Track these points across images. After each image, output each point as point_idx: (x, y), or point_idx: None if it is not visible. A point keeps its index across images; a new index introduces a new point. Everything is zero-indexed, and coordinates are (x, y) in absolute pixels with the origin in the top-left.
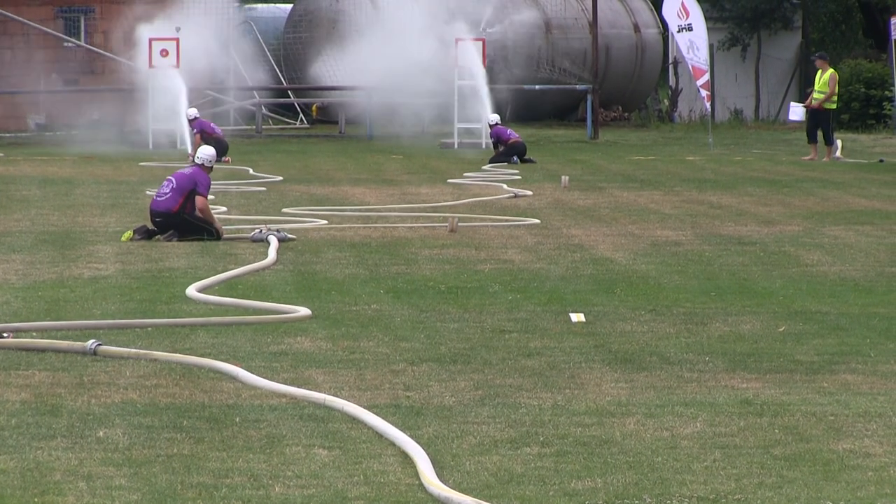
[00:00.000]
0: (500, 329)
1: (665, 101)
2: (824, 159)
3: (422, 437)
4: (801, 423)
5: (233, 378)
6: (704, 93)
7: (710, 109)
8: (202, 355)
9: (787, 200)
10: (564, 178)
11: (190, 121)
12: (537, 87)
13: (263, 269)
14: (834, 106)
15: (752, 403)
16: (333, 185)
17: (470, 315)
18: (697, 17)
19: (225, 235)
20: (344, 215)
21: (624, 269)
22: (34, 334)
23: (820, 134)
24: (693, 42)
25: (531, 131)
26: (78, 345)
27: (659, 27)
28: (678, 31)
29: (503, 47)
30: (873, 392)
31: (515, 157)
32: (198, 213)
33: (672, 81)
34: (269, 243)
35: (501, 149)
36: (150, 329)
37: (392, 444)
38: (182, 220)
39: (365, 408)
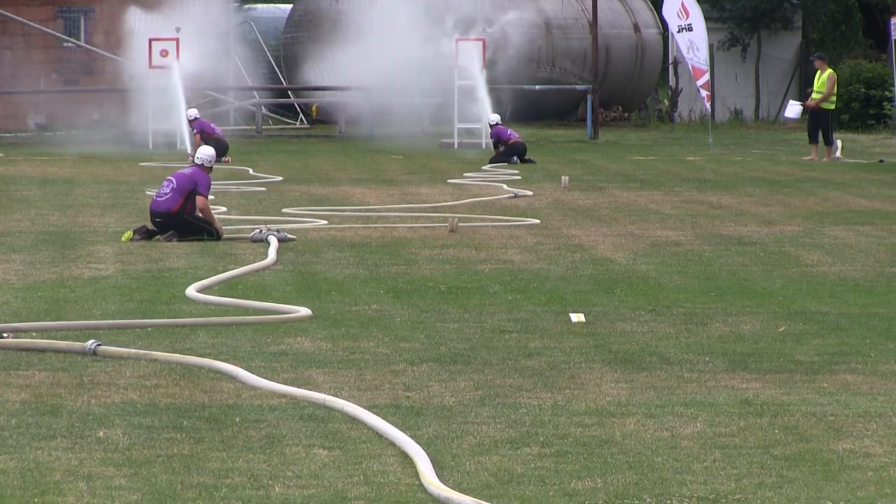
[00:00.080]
0: (500, 329)
1: (665, 101)
2: (824, 159)
3: (422, 437)
4: (801, 424)
5: (233, 378)
6: (704, 93)
7: (710, 109)
8: (202, 355)
9: (787, 200)
10: (564, 179)
11: (190, 121)
12: (537, 87)
13: (263, 269)
14: (833, 106)
15: (752, 403)
16: (333, 186)
17: (470, 315)
18: (697, 17)
19: (225, 236)
20: (344, 215)
21: (624, 269)
22: (34, 334)
23: (820, 134)
24: (693, 42)
25: (531, 131)
26: (77, 345)
27: (659, 27)
28: (678, 32)
29: (503, 47)
30: (873, 392)
31: (515, 158)
32: (198, 213)
33: (672, 81)
34: (269, 243)
35: (501, 149)
36: (150, 329)
37: (392, 444)
38: (182, 221)
39: (365, 408)
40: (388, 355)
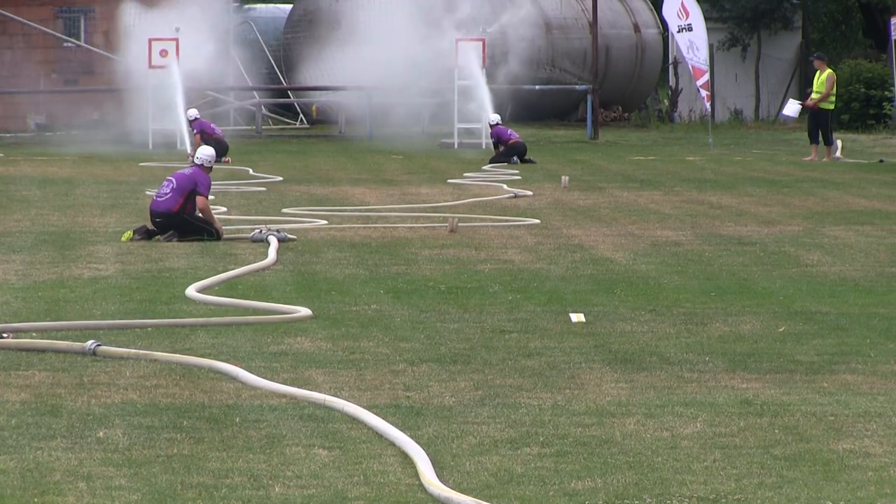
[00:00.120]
0: (500, 329)
1: (665, 101)
2: (824, 159)
3: (422, 437)
4: (801, 423)
5: (233, 378)
6: (704, 93)
7: (709, 109)
8: (202, 356)
9: (787, 200)
10: (564, 179)
11: (190, 121)
12: (537, 87)
13: (263, 269)
14: (832, 106)
15: (752, 403)
16: (333, 186)
17: (470, 315)
18: (697, 17)
19: (225, 236)
20: (344, 215)
21: (624, 269)
22: (34, 334)
23: (820, 134)
24: (693, 42)
25: (531, 131)
26: (77, 345)
27: (659, 27)
28: (678, 32)
29: (503, 47)
30: (873, 392)
31: (515, 158)
32: (198, 213)
33: (672, 81)
34: (269, 243)
35: (502, 149)
36: (150, 329)
37: (392, 444)
38: (182, 221)
39: (365, 408)
40: (388, 355)
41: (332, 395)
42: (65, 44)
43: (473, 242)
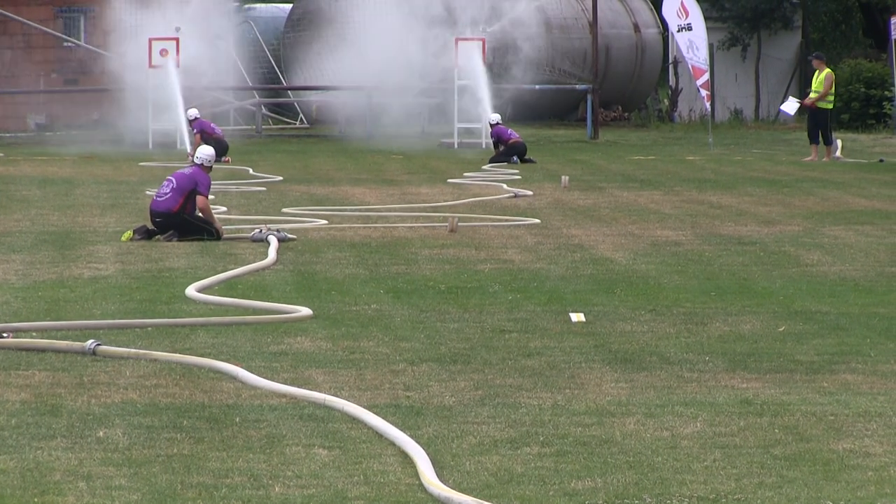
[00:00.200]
0: (500, 329)
1: (665, 100)
2: (824, 159)
3: (422, 437)
4: (801, 423)
5: (233, 378)
6: (704, 93)
7: (709, 109)
8: (202, 355)
9: (787, 200)
10: (564, 178)
11: (190, 121)
12: (537, 86)
13: (263, 269)
14: (831, 106)
15: (752, 403)
16: (333, 185)
17: (470, 315)
18: (697, 16)
19: (225, 235)
20: (344, 215)
21: (624, 269)
22: (34, 334)
23: (820, 134)
24: (693, 42)
25: (531, 131)
26: (77, 345)
27: (659, 27)
28: (678, 31)
29: (503, 47)
30: (873, 392)
31: (515, 157)
32: (198, 213)
33: (672, 81)
34: (269, 243)
35: (502, 148)
36: (150, 329)
37: (392, 444)
38: (182, 221)
39: (365, 408)
40: (388, 355)
41: (332, 395)
42: (65, 44)
43: (473, 242)
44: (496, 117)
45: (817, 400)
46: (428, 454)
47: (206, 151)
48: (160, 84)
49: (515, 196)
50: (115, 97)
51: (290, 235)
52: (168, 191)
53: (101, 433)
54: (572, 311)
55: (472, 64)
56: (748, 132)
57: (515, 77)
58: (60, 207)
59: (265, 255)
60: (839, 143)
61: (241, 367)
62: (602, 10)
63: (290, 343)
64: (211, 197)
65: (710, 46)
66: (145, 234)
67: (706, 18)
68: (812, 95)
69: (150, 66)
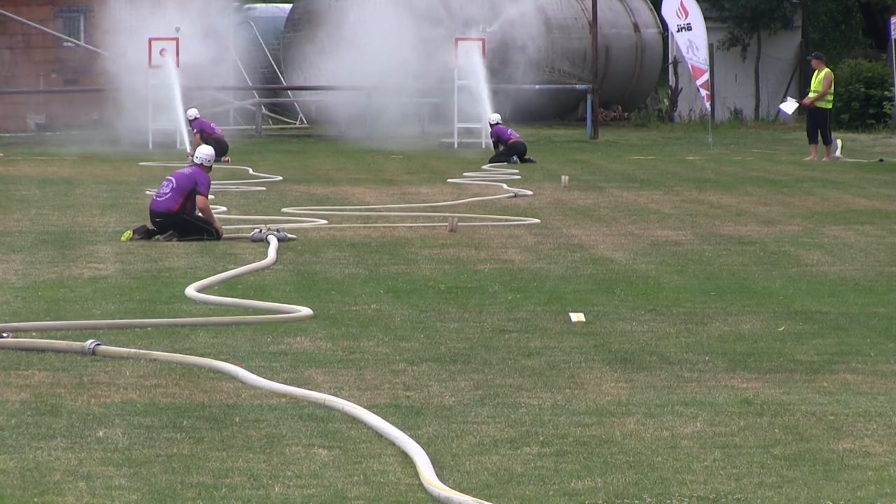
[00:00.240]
0: (499, 329)
1: (665, 100)
2: (824, 159)
3: (421, 436)
4: (801, 423)
5: (233, 378)
6: (704, 92)
7: (709, 109)
8: (202, 355)
9: (787, 200)
10: (564, 178)
11: (190, 121)
12: (537, 86)
13: (263, 268)
14: (829, 105)
15: (751, 403)
16: (333, 185)
17: (470, 315)
18: (697, 16)
19: (225, 235)
20: (344, 215)
21: (624, 268)
22: (34, 334)
23: (819, 134)
24: (692, 42)
25: (531, 131)
26: (77, 344)
27: (659, 27)
28: (677, 31)
29: (503, 47)
30: (873, 392)
31: (515, 157)
32: (198, 213)
33: (672, 81)
34: (268, 243)
35: (501, 148)
36: (149, 329)
37: (392, 443)
38: (182, 220)
39: (365, 408)
40: (387, 355)
41: (332, 395)
42: (64, 44)
43: (473, 242)
44: (496, 117)
45: (817, 400)
46: (428, 454)
47: (205, 151)
48: (160, 84)
49: (515, 196)
50: (114, 97)
51: (289, 235)
52: (168, 191)
53: (100, 433)
54: (572, 311)
55: (471, 64)
56: (748, 132)
57: (515, 77)
58: (60, 207)
59: (265, 254)
60: (839, 142)
61: (241, 366)
62: (602, 10)
63: (289, 343)
64: (211, 197)
65: (710, 46)
66: (145, 234)
67: (706, 18)
68: (811, 95)
69: (150, 65)
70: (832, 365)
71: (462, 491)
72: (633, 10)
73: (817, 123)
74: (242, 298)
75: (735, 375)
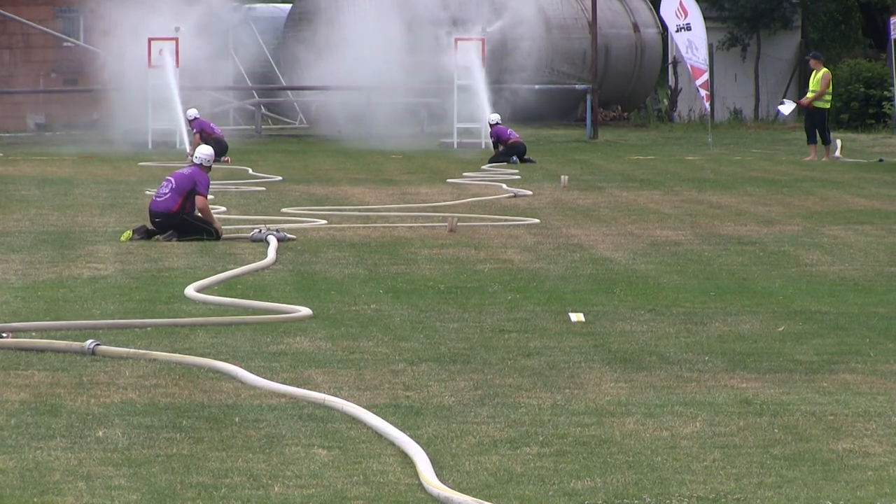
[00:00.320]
0: (499, 329)
1: (664, 100)
2: (823, 159)
3: (421, 436)
4: (801, 423)
5: (232, 378)
6: (703, 92)
7: (709, 109)
8: (201, 355)
9: (787, 200)
10: (564, 178)
11: (190, 121)
12: (537, 86)
13: (262, 268)
14: (828, 105)
15: (751, 403)
16: (333, 185)
17: (469, 315)
18: (696, 16)
19: (224, 235)
20: (343, 215)
21: (623, 268)
22: (33, 334)
23: (818, 134)
24: (692, 42)
25: (531, 131)
26: (76, 344)
27: (658, 27)
28: (676, 31)
29: (502, 47)
30: (873, 392)
31: (515, 157)
32: (197, 213)
33: (671, 81)
34: (268, 243)
35: (501, 148)
36: (149, 329)
37: (391, 443)
38: (181, 221)
39: (364, 408)
40: (387, 355)
41: (332, 395)
42: (64, 43)
43: (473, 242)
44: (496, 117)
45: (817, 400)
46: (427, 454)
47: (205, 151)
48: (159, 84)
49: (515, 196)
50: (114, 97)
51: (289, 235)
52: (167, 191)
53: (100, 433)
54: (572, 311)
55: (471, 64)
56: (747, 132)
57: (515, 77)
58: (60, 207)
59: (264, 254)
60: (839, 142)
61: (241, 366)
62: (601, 10)
63: (289, 343)
64: (210, 197)
65: (710, 46)
66: (145, 234)
67: (706, 18)
68: (809, 95)
69: (150, 65)
70: (832, 365)
71: (462, 491)
72: (633, 10)
73: (815, 123)
74: (242, 298)
75: (735, 375)
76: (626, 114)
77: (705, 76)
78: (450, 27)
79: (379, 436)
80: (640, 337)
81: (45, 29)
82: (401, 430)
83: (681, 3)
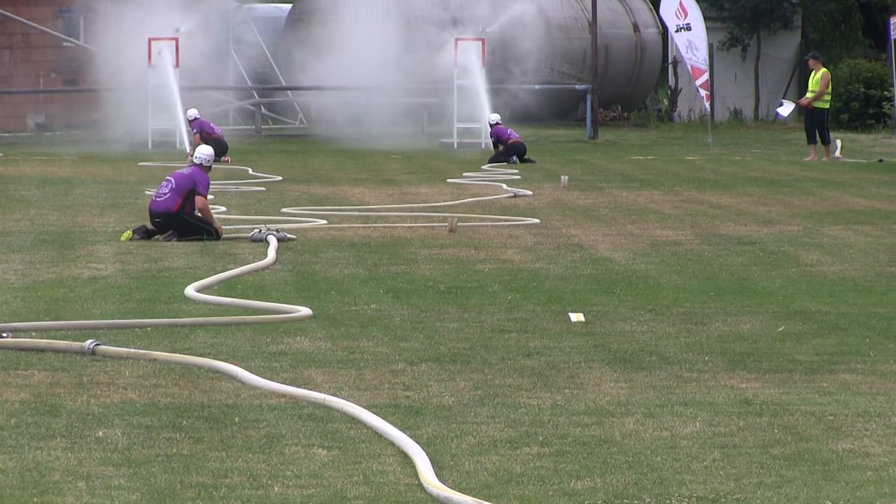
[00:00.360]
0: (499, 329)
1: (664, 100)
2: (823, 159)
3: (421, 436)
4: (801, 423)
5: (232, 378)
6: (703, 92)
7: (709, 109)
8: (201, 355)
9: (787, 200)
10: (564, 178)
11: (190, 121)
12: (536, 87)
13: (262, 268)
14: (827, 105)
15: (751, 403)
16: (333, 185)
17: (469, 315)
18: (696, 16)
19: (224, 235)
20: (343, 215)
21: (623, 268)
22: (33, 334)
23: (818, 134)
24: (692, 42)
25: (531, 131)
26: (76, 344)
27: (658, 27)
28: (676, 31)
29: (502, 47)
30: (872, 392)
31: (515, 157)
32: (197, 213)
33: (671, 81)
34: (268, 243)
35: (501, 148)
36: (149, 329)
37: (391, 443)
38: (181, 221)
39: (364, 408)
40: (387, 355)
41: (332, 395)
42: (64, 43)
43: (473, 242)
44: (496, 117)
45: (816, 400)
46: (427, 454)
47: (204, 151)
48: (159, 84)
49: (515, 196)
50: (114, 97)
51: (289, 235)
52: (167, 191)
53: (100, 433)
54: (572, 311)
55: (471, 64)
56: (747, 132)
57: (515, 77)
58: (60, 207)
59: (264, 254)
60: (839, 143)
61: (241, 366)
62: (601, 10)
63: (289, 343)
64: (210, 197)
65: (710, 46)
66: (144, 234)
67: (706, 18)
68: (808, 95)
69: (150, 65)
70: (831, 365)
71: (461, 491)
72: (633, 10)
73: (815, 123)
74: (242, 298)
75: (734, 375)
76: (626, 114)
77: (705, 76)
78: (450, 27)
79: (379, 436)
80: (640, 337)
81: (44, 29)
82: (401, 430)
83: (681, 3)
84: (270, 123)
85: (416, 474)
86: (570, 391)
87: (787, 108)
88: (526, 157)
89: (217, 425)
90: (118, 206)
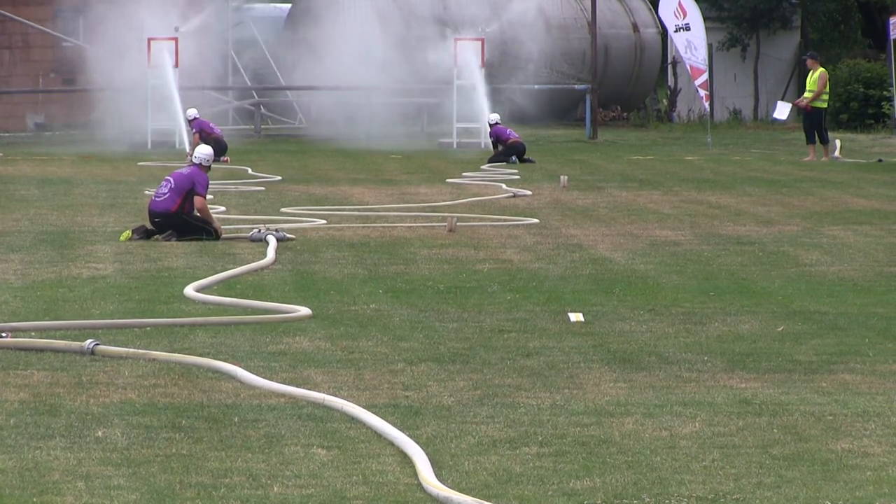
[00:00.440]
0: (498, 329)
1: (664, 100)
2: (822, 159)
3: (420, 436)
4: (800, 423)
5: (231, 378)
6: (703, 93)
7: (708, 109)
8: (201, 355)
9: (786, 200)
10: (563, 178)
11: (189, 121)
12: (536, 86)
13: (262, 268)
14: (825, 105)
15: (750, 403)
16: (332, 185)
17: (469, 315)
18: (695, 16)
19: (224, 235)
20: (343, 215)
21: (623, 268)
22: (33, 334)
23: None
24: (691, 42)
25: (530, 131)
26: (76, 344)
27: (658, 27)
28: (675, 31)
29: (502, 47)
30: (872, 392)
31: (514, 157)
32: (196, 213)
33: (671, 81)
34: (267, 243)
35: (500, 148)
36: (148, 329)
37: (391, 443)
38: (181, 220)
39: (364, 407)
40: (386, 355)
41: (331, 395)
42: (63, 43)
43: (472, 242)
44: (495, 117)
45: (816, 400)
46: (427, 454)
47: (204, 151)
48: (159, 84)
49: (514, 196)
50: (113, 97)
51: (288, 235)
52: (166, 191)
53: (99, 433)
54: (571, 311)
55: (470, 64)
56: (747, 132)
57: (514, 77)
58: (59, 207)
59: (264, 254)
60: (838, 143)
61: (240, 366)
62: (601, 10)
63: (288, 343)
64: (210, 197)
65: (710, 46)
66: (144, 234)
67: (705, 18)
68: (806, 95)
69: (149, 65)
70: (831, 365)
71: (461, 491)
72: (633, 10)
73: (813, 123)
74: (241, 298)
75: (734, 375)
76: (625, 114)
77: (704, 76)
78: (449, 27)
79: (378, 436)
80: (640, 337)
81: (44, 29)
82: (400, 429)
83: (680, 4)
84: (270, 123)
85: (415, 474)
86: (569, 391)
87: (783, 111)
88: (525, 156)
89: (216, 425)
90: (117, 206)
